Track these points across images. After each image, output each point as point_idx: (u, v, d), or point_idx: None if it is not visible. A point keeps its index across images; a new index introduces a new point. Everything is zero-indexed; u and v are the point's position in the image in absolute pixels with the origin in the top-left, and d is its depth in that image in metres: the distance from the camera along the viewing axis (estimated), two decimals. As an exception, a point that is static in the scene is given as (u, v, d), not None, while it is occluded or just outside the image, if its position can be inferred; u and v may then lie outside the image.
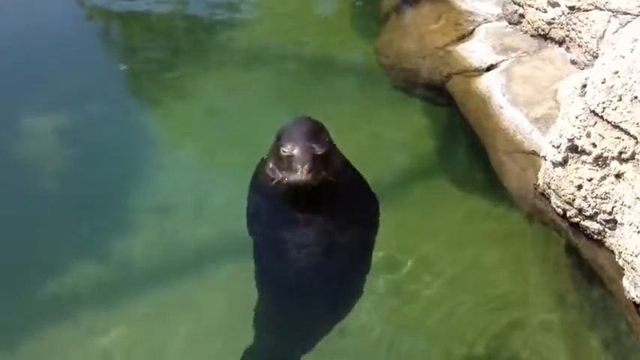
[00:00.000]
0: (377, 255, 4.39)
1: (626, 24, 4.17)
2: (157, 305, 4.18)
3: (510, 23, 5.54)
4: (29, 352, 3.94)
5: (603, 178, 3.90)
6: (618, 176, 3.84)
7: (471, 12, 5.67)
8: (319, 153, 2.88)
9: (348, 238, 3.14)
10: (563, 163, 4.07)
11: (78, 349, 3.98)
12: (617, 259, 3.89)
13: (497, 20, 5.60)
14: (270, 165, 2.99)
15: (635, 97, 3.60)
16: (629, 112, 3.68)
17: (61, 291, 4.25)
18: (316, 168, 2.85)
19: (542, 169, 4.33)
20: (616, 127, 3.76)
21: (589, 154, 3.91)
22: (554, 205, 4.26)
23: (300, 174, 2.83)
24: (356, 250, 3.23)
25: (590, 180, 3.95)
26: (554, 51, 5.19)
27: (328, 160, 2.93)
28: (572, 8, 4.91)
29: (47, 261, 4.41)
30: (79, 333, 4.04)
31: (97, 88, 5.87)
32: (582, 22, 4.81)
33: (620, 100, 3.70)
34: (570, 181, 4.05)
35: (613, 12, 4.44)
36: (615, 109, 3.72)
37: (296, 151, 2.86)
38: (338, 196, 3.00)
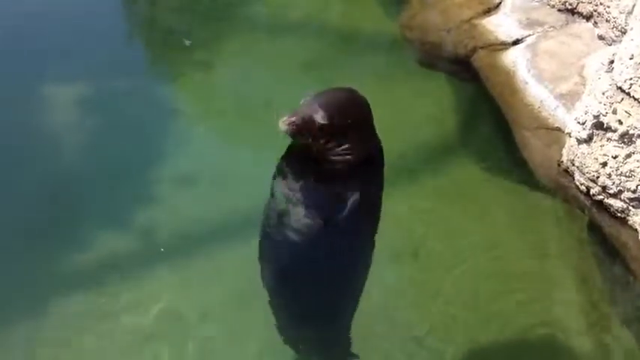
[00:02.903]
0: (394, 227, 4.42)
1: (656, -1, 4.10)
2: (179, 275, 4.22)
3: (538, -3, 5.47)
4: (52, 321, 3.99)
5: (629, 155, 3.87)
6: (644, 154, 3.81)
7: (497, -15, 5.60)
8: (319, 122, 2.82)
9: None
10: (588, 140, 4.04)
11: (100, 319, 4.02)
12: (640, 238, 3.88)
13: (524, -7, 5.53)
14: None
15: (664, 74, 3.56)
16: (656, 89, 3.64)
17: (83, 261, 4.28)
18: (302, 126, 2.80)
19: (566, 146, 4.31)
20: (643, 104, 3.72)
21: (615, 131, 3.87)
22: (577, 183, 4.23)
23: (282, 120, 2.78)
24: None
25: (615, 157, 3.92)
26: (582, 26, 5.12)
27: (333, 136, 2.85)
28: (601, -18, 4.84)
29: (69, 231, 4.44)
30: (100, 302, 4.08)
31: (120, 59, 5.88)
32: (611, -4, 4.74)
33: (648, 76, 3.65)
34: (595, 159, 4.02)
35: (643, -14, 4.36)
36: (643, 85, 3.68)
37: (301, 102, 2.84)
38: (351, 174, 2.95)
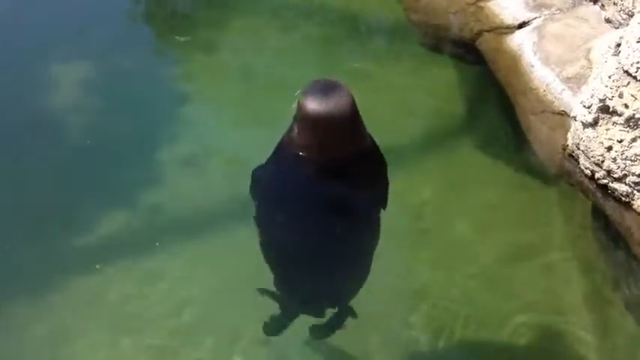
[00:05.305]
0: (400, 212, 4.41)
1: (664, -19, 4.07)
2: (181, 256, 4.23)
3: (544, -21, 5.42)
4: (54, 301, 4.01)
5: (634, 139, 3.85)
6: (649, 138, 3.80)
7: (504, -33, 5.55)
8: None
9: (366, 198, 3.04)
10: (594, 123, 4.02)
11: (102, 299, 4.04)
12: (644, 222, 3.87)
13: (530, -25, 5.48)
14: None
15: (671, 58, 3.54)
16: (663, 72, 3.61)
17: (86, 241, 4.30)
18: None
19: (571, 130, 4.29)
20: (650, 88, 3.69)
21: (620, 115, 3.85)
22: (582, 167, 4.22)
23: None
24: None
25: (620, 141, 3.90)
26: (589, 9, 5.08)
27: None
28: (608, -36, 4.80)
29: (73, 211, 4.45)
30: (103, 283, 4.10)
31: (124, 40, 5.87)
32: (619, -21, 4.70)
33: (655, 60, 3.63)
34: (600, 143, 4.00)
35: (651, -31, 4.33)
36: (650, 69, 3.66)
37: None
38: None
